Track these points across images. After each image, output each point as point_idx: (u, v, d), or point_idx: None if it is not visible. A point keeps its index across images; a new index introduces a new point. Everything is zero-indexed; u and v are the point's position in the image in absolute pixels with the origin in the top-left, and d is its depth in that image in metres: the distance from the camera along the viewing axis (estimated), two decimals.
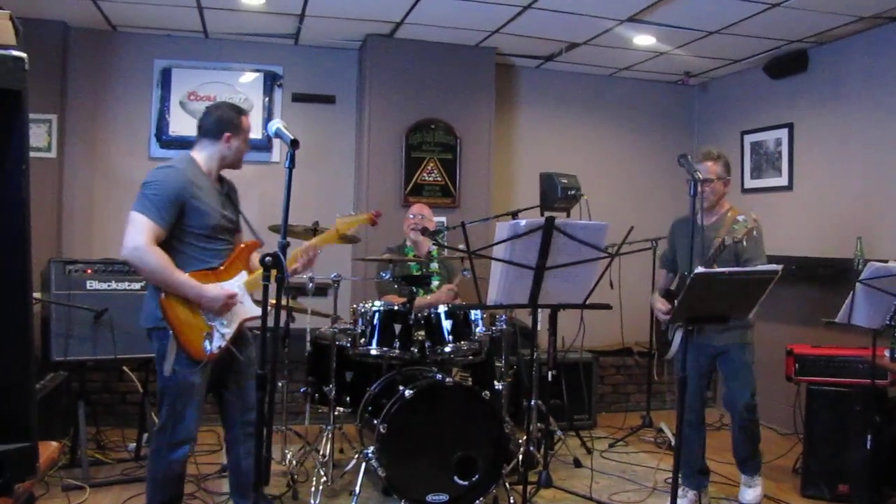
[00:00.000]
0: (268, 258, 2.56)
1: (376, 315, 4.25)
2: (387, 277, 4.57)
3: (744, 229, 3.64)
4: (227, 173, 3.50)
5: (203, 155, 3.35)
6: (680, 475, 3.68)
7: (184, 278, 3.12)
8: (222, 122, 3.34)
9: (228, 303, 3.20)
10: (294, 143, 2.73)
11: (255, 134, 6.21)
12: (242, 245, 3.39)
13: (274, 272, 2.59)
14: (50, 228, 5.77)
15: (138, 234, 3.06)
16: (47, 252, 5.26)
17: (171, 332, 3.13)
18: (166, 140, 6.09)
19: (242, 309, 3.30)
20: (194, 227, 3.20)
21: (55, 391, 4.47)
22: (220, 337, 3.20)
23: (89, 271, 4.44)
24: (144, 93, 6.14)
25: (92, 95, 6.05)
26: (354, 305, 4.38)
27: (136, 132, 6.13)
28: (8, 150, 1.43)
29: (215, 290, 3.18)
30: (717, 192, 4.06)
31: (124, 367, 5.04)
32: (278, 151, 6.34)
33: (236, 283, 3.29)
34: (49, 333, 4.29)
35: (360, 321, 4.27)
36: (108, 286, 4.40)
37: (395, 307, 4.27)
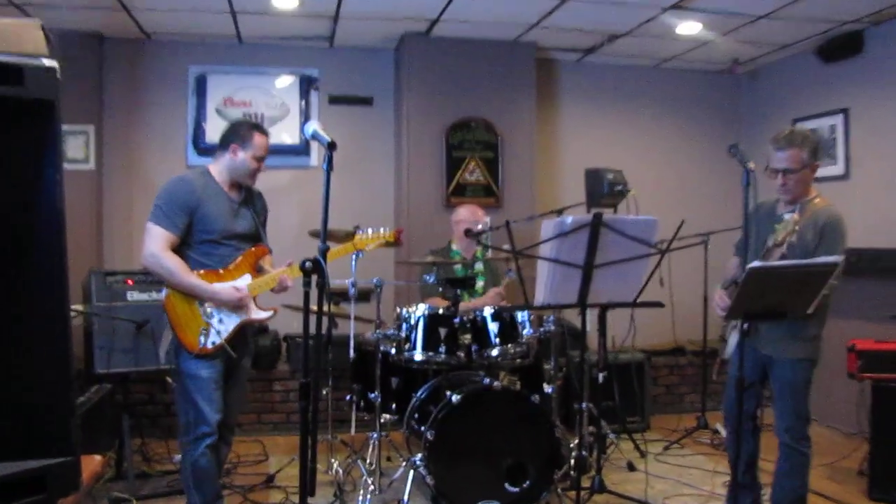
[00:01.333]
0: (308, 263, 2.57)
1: (421, 319, 4.23)
2: (431, 281, 4.56)
3: (784, 231, 3.26)
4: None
5: (217, 166, 3.59)
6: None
7: (197, 280, 3.39)
8: (232, 134, 3.56)
9: (243, 300, 3.45)
10: (331, 145, 2.74)
11: (292, 138, 6.32)
12: (249, 250, 3.57)
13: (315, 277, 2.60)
14: (90, 240, 5.88)
15: (153, 243, 3.36)
16: (88, 263, 5.34)
17: (168, 323, 3.44)
18: (203, 147, 6.15)
19: (244, 310, 3.51)
20: (202, 233, 3.44)
21: (99, 404, 4.53)
22: (215, 333, 3.42)
23: (130, 282, 4.49)
24: (180, 100, 6.23)
25: (128, 105, 6.15)
26: (398, 310, 4.37)
27: (173, 140, 6.21)
28: (42, 160, 1.44)
29: (228, 291, 3.43)
30: (802, 181, 3.49)
31: (167, 378, 5.09)
32: (316, 155, 6.37)
33: (238, 286, 3.49)
34: (92, 346, 4.35)
35: (404, 326, 4.26)
36: (149, 296, 4.44)
37: (440, 311, 4.26)
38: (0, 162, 1.39)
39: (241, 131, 3.55)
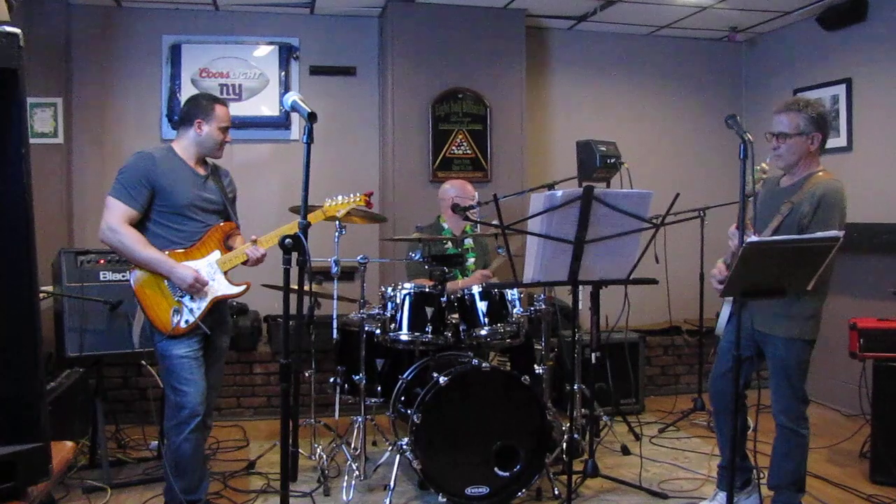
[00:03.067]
0: (288, 240, 2.57)
1: (406, 298, 4.24)
2: (417, 258, 4.55)
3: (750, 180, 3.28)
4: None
5: (180, 142, 3.66)
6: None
7: (155, 254, 3.44)
8: (194, 109, 3.64)
9: (195, 284, 3.46)
10: (312, 117, 2.72)
11: (272, 110, 6.27)
12: (217, 226, 3.62)
13: (295, 255, 2.59)
14: (60, 218, 5.84)
15: (110, 216, 3.42)
16: (58, 243, 5.30)
17: (139, 306, 3.50)
18: (178, 120, 6.09)
19: (213, 288, 3.55)
20: (164, 207, 3.49)
21: (71, 389, 4.52)
22: (188, 312, 3.47)
23: (102, 262, 4.46)
24: (153, 71, 6.17)
25: (98, 76, 6.09)
26: (383, 289, 4.37)
27: (147, 113, 6.16)
28: (6, 133, 1.42)
29: (186, 270, 3.46)
30: (797, 149, 3.52)
31: (143, 362, 5.08)
32: (297, 128, 6.33)
33: (206, 262, 3.55)
34: (63, 328, 4.32)
35: (389, 305, 4.27)
36: (123, 276, 4.41)
37: (427, 289, 4.26)
38: None
39: (202, 104, 3.63)
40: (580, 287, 3.44)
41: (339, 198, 3.94)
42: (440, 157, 6.14)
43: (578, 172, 5.44)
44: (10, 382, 1.44)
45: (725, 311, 3.82)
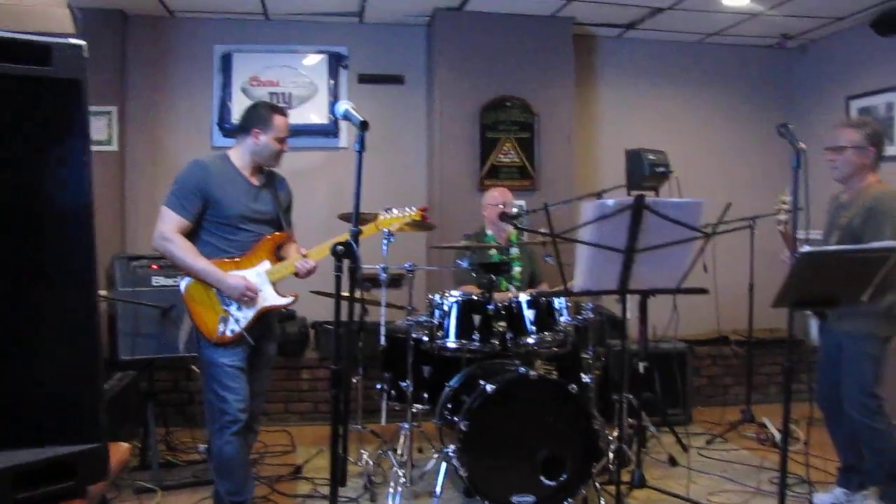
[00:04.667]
0: (339, 247, 2.59)
1: (454, 306, 4.24)
2: (464, 266, 4.56)
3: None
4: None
5: (237, 151, 3.65)
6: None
7: (205, 265, 3.45)
8: (252, 118, 3.62)
9: (246, 293, 3.47)
10: (364, 125, 2.74)
11: (321, 118, 6.33)
12: (267, 236, 3.61)
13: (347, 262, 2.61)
14: (114, 224, 5.96)
15: (163, 225, 3.46)
16: (111, 248, 5.41)
17: (187, 312, 3.53)
18: (229, 128, 6.18)
19: (262, 297, 3.55)
20: (217, 218, 3.50)
21: (123, 391, 4.59)
22: (234, 321, 3.47)
23: (155, 267, 4.54)
24: (205, 80, 6.27)
25: (152, 85, 6.20)
26: (430, 296, 4.39)
27: (198, 121, 6.26)
28: (70, 143, 1.45)
29: (235, 279, 3.47)
30: (850, 162, 3.74)
31: (192, 366, 5.15)
32: (346, 136, 6.38)
33: (256, 272, 3.54)
34: (116, 332, 4.40)
35: (436, 312, 4.28)
36: (174, 281, 4.46)
37: (474, 297, 4.26)
38: (28, 145, 1.40)
39: (262, 114, 3.62)
40: (629, 296, 3.42)
41: (394, 211, 3.88)
42: (487, 165, 6.14)
43: (627, 181, 5.41)
44: (71, 384, 1.47)
45: (814, 320, 3.96)
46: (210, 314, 3.48)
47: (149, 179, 6.13)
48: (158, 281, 4.54)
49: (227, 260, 3.51)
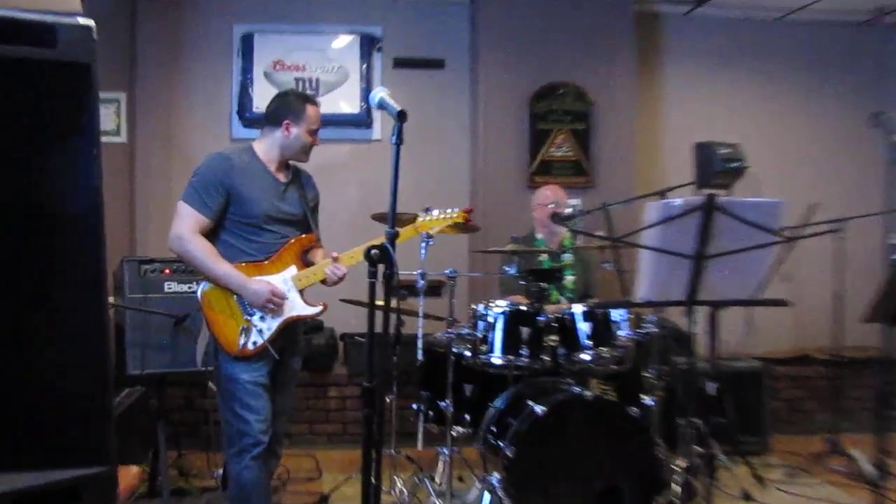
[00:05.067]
0: (374, 251, 2.59)
1: (500, 317, 4.23)
2: (511, 272, 4.55)
3: None
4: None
5: (263, 143, 3.68)
6: None
7: (226, 269, 3.47)
8: (283, 108, 3.65)
9: (272, 300, 3.49)
10: (401, 115, 2.74)
11: (352, 107, 6.36)
12: (295, 239, 3.64)
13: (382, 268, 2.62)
14: (122, 223, 6.03)
15: (181, 224, 3.46)
16: (120, 250, 5.44)
17: (204, 321, 3.55)
18: (250, 117, 6.24)
19: (288, 306, 3.56)
20: (239, 217, 3.53)
21: (131, 410, 4.63)
22: (257, 333, 3.49)
23: (168, 271, 4.56)
24: (224, 64, 6.34)
25: (164, 69, 6.27)
26: (474, 306, 4.39)
27: (216, 110, 6.33)
28: (77, 133, 1.46)
29: (260, 284, 3.49)
30: None
31: (210, 383, 5.17)
32: (380, 127, 6.42)
33: (282, 278, 3.57)
34: (124, 343, 4.41)
35: (480, 324, 4.27)
36: (189, 288, 4.49)
37: (522, 307, 4.25)
38: (30, 137, 1.41)
39: (293, 104, 3.65)
40: (697, 308, 3.38)
41: (435, 212, 3.91)
42: (538, 160, 6.13)
43: (696, 178, 5.37)
44: (77, 400, 1.47)
45: None
46: (230, 324, 3.49)
47: (161, 174, 6.21)
48: (172, 287, 4.56)
49: (250, 264, 3.53)
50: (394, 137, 2.72)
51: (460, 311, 4.82)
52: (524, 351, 4.16)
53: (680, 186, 5.00)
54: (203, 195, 3.47)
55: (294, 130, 3.61)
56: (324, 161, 6.32)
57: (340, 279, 3.61)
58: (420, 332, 4.41)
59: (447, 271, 4.37)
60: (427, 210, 3.94)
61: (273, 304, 3.49)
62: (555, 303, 4.74)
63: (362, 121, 6.42)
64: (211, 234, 3.53)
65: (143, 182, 6.21)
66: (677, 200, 3.09)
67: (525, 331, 4.18)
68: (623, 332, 4.25)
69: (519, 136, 6.14)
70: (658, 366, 4.47)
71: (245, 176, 3.54)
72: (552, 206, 4.98)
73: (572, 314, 4.26)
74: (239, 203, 3.51)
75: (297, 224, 3.69)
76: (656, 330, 4.39)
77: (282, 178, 3.67)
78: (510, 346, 4.19)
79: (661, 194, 4.79)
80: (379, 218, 4.44)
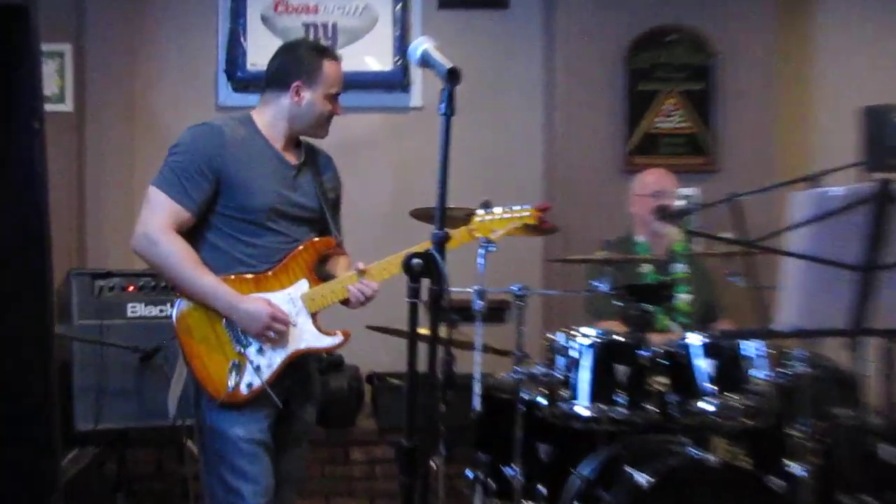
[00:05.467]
0: (416, 261, 2.58)
1: (587, 351, 4.20)
2: (603, 290, 4.53)
3: None
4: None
5: (265, 113, 3.70)
6: None
7: (212, 282, 3.45)
8: (291, 66, 3.65)
9: (272, 325, 3.46)
10: (452, 76, 2.71)
11: (382, 63, 6.38)
12: (308, 243, 3.64)
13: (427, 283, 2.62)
14: (67, 223, 6.02)
15: (152, 217, 3.45)
16: (64, 260, 5.48)
17: (180, 355, 3.56)
18: (242, 78, 6.31)
19: (295, 335, 3.55)
20: (233, 211, 3.53)
21: (81, 478, 4.65)
22: (253, 372, 3.47)
23: (132, 288, 4.60)
24: (207, 6, 6.42)
25: (124, 16, 6.33)
26: (550, 336, 4.38)
27: (196, 67, 6.43)
28: (11, 98, 1.47)
29: (257, 304, 3.46)
30: None
31: (188, 441, 5.17)
32: (421, 90, 6.45)
33: (288, 296, 3.56)
34: (71, 388, 4.44)
35: (560, 361, 4.26)
36: (162, 311, 4.53)
37: (618, 338, 4.24)
38: None
39: (305, 61, 3.63)
40: (867, 340, 3.35)
41: (498, 209, 3.80)
42: (639, 134, 6.12)
43: (866, 157, 5.31)
44: (11, 469, 1.49)
45: None
46: (216, 359, 3.46)
47: (120, 155, 6.27)
48: (137, 310, 4.60)
49: (244, 276, 3.51)
50: (442, 106, 2.70)
51: (532, 343, 4.81)
52: (621, 398, 4.13)
53: (840, 169, 4.95)
54: (184, 180, 3.43)
55: (307, 95, 3.59)
56: (344, 136, 6.33)
57: (369, 299, 3.59)
58: (477, 372, 4.40)
59: (514, 288, 4.37)
60: (486, 206, 3.87)
61: (275, 331, 3.46)
62: (663, 331, 4.73)
63: (397, 82, 6.44)
64: (192, 235, 3.51)
65: (96, 165, 6.24)
66: (837, 189, 3.06)
67: (622, 370, 4.15)
68: (759, 373, 4.21)
69: (611, 102, 6.14)
70: (810, 420, 4.42)
71: (242, 155, 3.53)
72: (658, 196, 4.96)
73: (687, 347, 4.23)
74: (232, 192, 3.49)
75: (311, 222, 3.69)
76: (807, 370, 4.34)
77: (291, 159, 3.67)
78: (601, 391, 4.17)
79: (813, 180, 4.75)
80: (421, 215, 4.43)
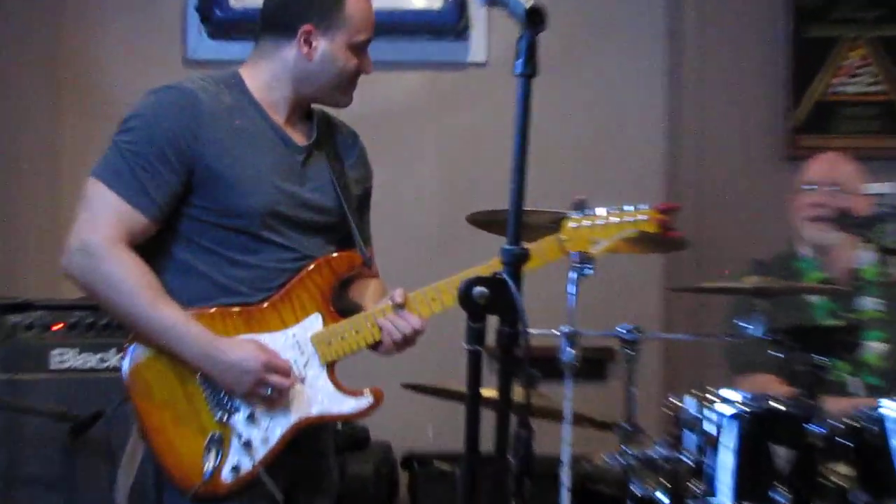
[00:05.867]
0: (478, 289, 2.57)
1: (732, 425, 4.20)
2: (754, 331, 4.51)
3: None
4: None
5: (260, 70, 3.65)
6: None
7: (178, 318, 3.36)
8: (296, 3, 3.59)
9: (267, 380, 3.37)
10: (535, 17, 2.69)
11: (428, 0, 6.40)
12: (316, 262, 3.57)
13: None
14: None
15: (92, 223, 3.36)
16: None
17: (134, 426, 3.48)
18: (223, 20, 6.33)
19: (303, 396, 3.50)
20: (213, 215, 3.46)
21: None
22: (241, 449, 3.39)
23: (59, 326, 4.62)
24: None
25: None
26: (675, 401, 4.37)
27: (158, 10, 6.45)
28: None
29: (244, 349, 3.39)
30: None
31: None
32: (485, 38, 6.45)
33: (293, 339, 3.51)
34: None
35: (688, 439, 4.26)
36: (104, 362, 4.55)
37: (776, 405, 4.22)
38: None
39: None
40: None
41: (599, 213, 3.71)
42: (808, 103, 6.09)
43: None
44: None
45: None
46: (188, 431, 3.41)
47: (41, 133, 6.35)
48: (66, 358, 4.61)
49: (230, 308, 3.47)
50: (518, 62, 2.68)
51: (647, 412, 4.81)
52: (781, 495, 4.12)
53: None
54: (140, 171, 3.35)
55: (321, 45, 3.53)
56: (378, 106, 6.36)
57: (409, 343, 3.51)
58: (566, 454, 4.40)
59: (621, 330, 4.35)
60: (582, 207, 3.82)
61: (268, 386, 3.39)
62: (844, 395, 4.70)
63: (446, 26, 6.44)
64: (153, 249, 3.44)
65: (6, 149, 6.25)
66: None
67: (783, 454, 4.14)
68: None
69: (766, 56, 6.14)
70: None
71: (226, 134, 3.46)
72: (833, 195, 4.93)
73: (882, 421, 4.20)
74: (212, 189, 3.43)
75: (327, 230, 3.64)
76: None
77: (299, 138, 3.62)
78: (752, 484, 4.17)
79: None
80: (484, 221, 4.42)
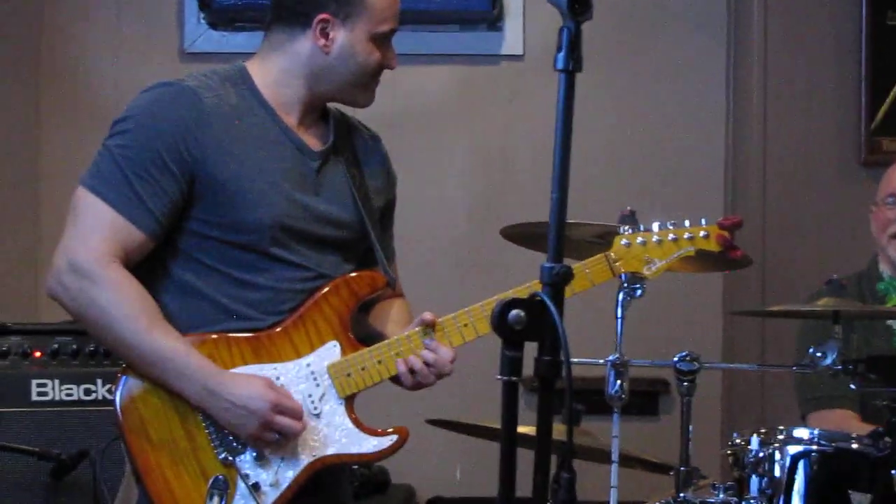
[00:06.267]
0: (514, 312, 2.57)
1: (801, 465, 4.19)
2: (827, 362, 4.51)
3: None
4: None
5: (270, 65, 3.69)
6: None
7: (177, 348, 3.38)
8: None
9: (275, 421, 3.38)
10: (577, 4, 2.70)
11: None
12: (333, 283, 3.61)
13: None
14: None
15: (83, 238, 3.39)
16: None
17: (127, 467, 3.51)
18: (225, 7, 6.37)
19: (318, 434, 3.52)
20: (217, 230, 3.51)
21: None
22: (248, 494, 3.40)
23: (37, 354, 4.63)
24: None
25: None
26: (738, 440, 4.37)
27: None
28: None
29: (250, 385, 3.40)
30: None
31: None
32: (521, 28, 6.45)
33: (308, 371, 3.54)
34: None
35: (754, 482, 4.23)
36: (91, 394, 4.56)
37: (853, 444, 4.21)
38: None
39: None
40: None
41: (654, 227, 3.72)
42: (891, 103, 6.08)
43: None
44: None
45: None
46: (188, 473, 3.43)
47: (20, 135, 6.35)
48: (47, 389, 4.62)
49: (235, 336, 3.51)
50: (560, 55, 2.68)
51: (706, 452, 4.80)
52: None
53: None
54: (136, 180, 3.38)
55: (339, 36, 3.56)
56: (403, 105, 6.37)
57: (439, 374, 3.52)
58: (614, 499, 4.40)
59: (676, 360, 4.35)
60: (632, 221, 3.82)
61: (281, 431, 3.40)
62: None
63: (481, 15, 6.46)
64: (149, 269, 3.50)
65: None
66: None
67: (861, 500, 4.13)
68: None
69: (841, 48, 6.13)
70: None
71: (231, 138, 3.50)
72: None
73: None
74: (216, 200, 3.48)
75: (345, 246, 3.65)
76: None
77: (313, 142, 3.63)
78: None
79: None
80: (520, 235, 4.43)
